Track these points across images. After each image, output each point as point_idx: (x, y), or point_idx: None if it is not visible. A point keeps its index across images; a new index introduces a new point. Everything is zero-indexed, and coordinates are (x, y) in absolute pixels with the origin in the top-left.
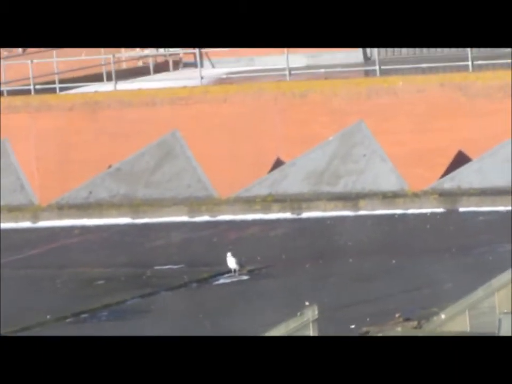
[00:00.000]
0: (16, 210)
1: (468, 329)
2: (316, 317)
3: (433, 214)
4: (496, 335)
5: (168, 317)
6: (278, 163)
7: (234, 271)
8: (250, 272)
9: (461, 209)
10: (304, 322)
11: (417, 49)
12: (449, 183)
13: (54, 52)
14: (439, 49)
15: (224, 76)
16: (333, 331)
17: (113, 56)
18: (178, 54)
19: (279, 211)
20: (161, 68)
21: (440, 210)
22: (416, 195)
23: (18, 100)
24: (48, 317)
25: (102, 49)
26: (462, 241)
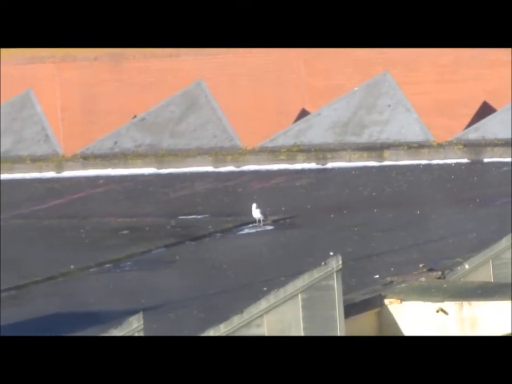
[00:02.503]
0: (40, 160)
1: (492, 279)
2: (340, 266)
3: (458, 165)
4: None
5: (192, 267)
6: (303, 113)
7: (259, 221)
8: (274, 222)
9: (485, 160)
10: (328, 272)
11: None
12: (473, 134)
13: None
14: None
15: None
16: (356, 281)
17: None
18: None
19: (304, 161)
20: None
21: (465, 160)
22: (440, 145)
23: (43, 50)
24: (72, 266)
25: None
26: (486, 191)
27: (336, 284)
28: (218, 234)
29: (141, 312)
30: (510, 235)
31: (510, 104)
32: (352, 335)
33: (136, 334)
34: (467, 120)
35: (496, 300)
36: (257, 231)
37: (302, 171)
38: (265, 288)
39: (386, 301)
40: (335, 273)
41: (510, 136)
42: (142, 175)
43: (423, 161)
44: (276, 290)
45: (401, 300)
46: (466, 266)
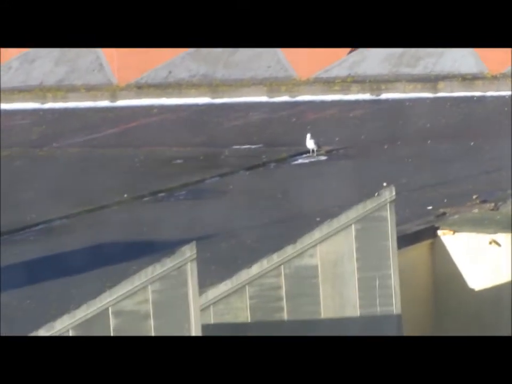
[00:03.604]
0: (94, 89)
1: None
2: (394, 197)
3: None
4: None
5: (246, 197)
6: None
7: (313, 151)
8: (328, 153)
9: None
10: (382, 203)
11: None
12: None
13: None
14: None
15: None
16: (409, 212)
17: None
18: None
19: (358, 92)
20: None
21: None
22: (495, 77)
23: None
24: (125, 195)
25: None
26: None
27: (389, 214)
28: (273, 164)
29: (194, 242)
30: None
31: None
32: (404, 268)
33: (189, 263)
34: None
35: None
36: (311, 161)
37: (356, 102)
38: (318, 218)
39: (439, 232)
40: (388, 204)
41: None
42: (196, 105)
43: (477, 93)
44: (329, 220)
45: (454, 231)
46: None
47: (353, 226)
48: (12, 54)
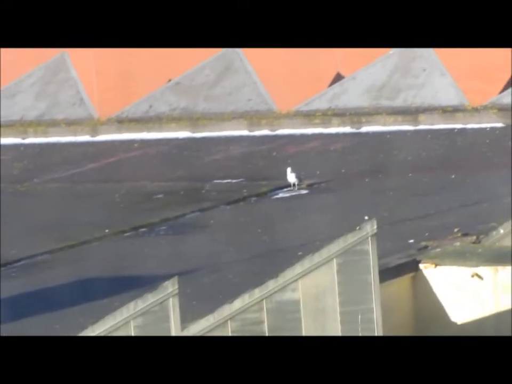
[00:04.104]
0: (75, 124)
1: None
2: (375, 231)
3: (493, 129)
4: None
5: (227, 232)
6: (338, 77)
7: (294, 185)
8: (309, 187)
9: None
10: (363, 237)
11: None
12: (508, 98)
13: None
14: None
15: None
16: (391, 245)
17: None
18: None
19: (338, 125)
20: None
21: (500, 124)
22: (475, 109)
23: None
24: (106, 231)
25: None
26: None
27: (371, 248)
28: (254, 198)
29: (176, 277)
30: None
31: None
32: (387, 301)
33: (171, 299)
34: (502, 84)
35: None
36: (292, 195)
37: (337, 135)
38: (300, 253)
39: (421, 266)
40: (370, 238)
41: None
42: (177, 139)
43: (458, 125)
44: (310, 254)
45: (436, 265)
46: (501, 230)
47: (335, 260)
48: None
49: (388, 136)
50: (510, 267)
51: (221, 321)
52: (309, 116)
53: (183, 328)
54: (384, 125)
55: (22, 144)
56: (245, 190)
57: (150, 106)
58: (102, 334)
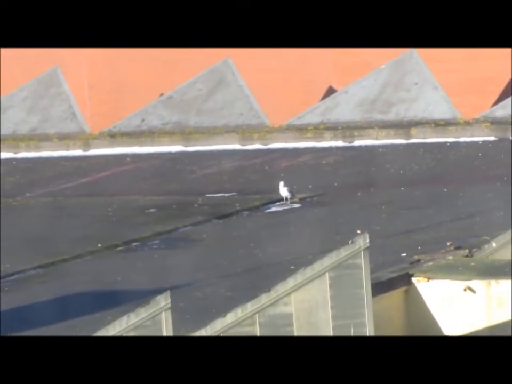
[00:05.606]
0: (67, 138)
1: None
2: (367, 245)
3: (485, 142)
4: None
5: (220, 246)
6: (330, 91)
7: (286, 199)
8: (301, 200)
9: None
10: (356, 251)
11: None
12: (501, 111)
13: None
14: None
15: None
16: (384, 259)
17: None
18: None
19: (331, 139)
20: None
21: (492, 138)
22: (467, 123)
23: None
24: (99, 245)
25: None
26: None
27: (363, 262)
28: (246, 212)
29: (168, 291)
30: None
31: None
32: (379, 315)
33: (163, 313)
34: (494, 97)
35: None
36: (284, 209)
37: (329, 149)
38: (292, 267)
39: (413, 279)
40: (362, 252)
41: None
42: (169, 153)
43: (450, 139)
44: (303, 268)
45: (429, 278)
46: (494, 244)
47: (327, 274)
48: None
49: (380, 150)
50: (502, 280)
51: (214, 336)
52: (301, 130)
53: None
54: (376, 138)
55: (14, 159)
56: (237, 204)
57: (143, 120)
58: None
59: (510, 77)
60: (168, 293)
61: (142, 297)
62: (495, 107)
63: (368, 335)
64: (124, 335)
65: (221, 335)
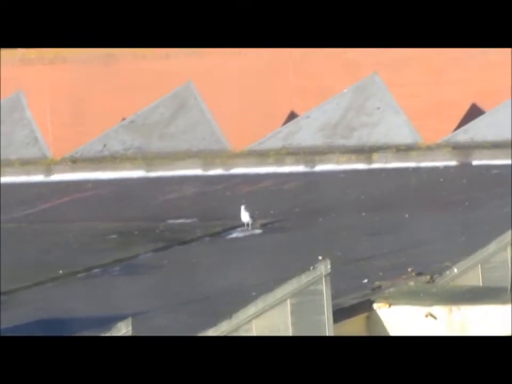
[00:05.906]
0: (29, 164)
1: (481, 283)
2: (329, 271)
3: (447, 167)
4: (509, 289)
5: (180, 272)
6: (292, 116)
7: (247, 224)
8: (263, 226)
9: (474, 163)
10: (317, 277)
11: None
12: (462, 136)
13: None
14: None
15: None
16: (345, 285)
17: None
18: None
19: (292, 164)
20: None
21: (454, 163)
22: (429, 148)
23: (33, 52)
24: (60, 271)
25: None
26: (475, 194)
27: (325, 288)
28: (207, 238)
29: (130, 318)
30: (498, 239)
31: (499, 106)
32: (342, 335)
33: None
34: (456, 122)
35: (486, 304)
36: (245, 235)
37: (291, 174)
38: (253, 293)
39: (375, 305)
40: (323, 278)
41: (498, 139)
42: (131, 179)
43: (412, 164)
44: (264, 295)
45: (390, 304)
46: (455, 270)
47: (288, 300)
48: None
49: (341, 175)
50: (464, 306)
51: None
52: (262, 155)
53: None
54: (337, 163)
55: None
56: (198, 230)
57: (104, 145)
58: None
59: (472, 101)
60: (129, 320)
61: (103, 324)
62: (456, 131)
63: None
64: None
65: None
